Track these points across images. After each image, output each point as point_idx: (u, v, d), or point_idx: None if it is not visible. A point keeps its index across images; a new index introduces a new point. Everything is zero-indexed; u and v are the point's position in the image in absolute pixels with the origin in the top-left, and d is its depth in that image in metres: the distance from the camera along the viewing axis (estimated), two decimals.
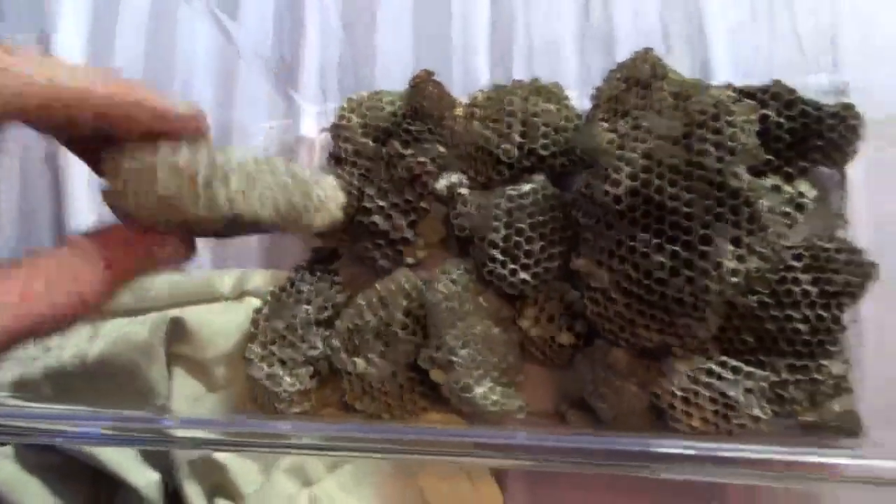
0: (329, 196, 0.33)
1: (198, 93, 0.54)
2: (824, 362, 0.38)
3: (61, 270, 0.25)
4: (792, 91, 0.40)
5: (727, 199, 0.35)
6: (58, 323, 0.25)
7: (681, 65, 0.45)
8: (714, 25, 0.46)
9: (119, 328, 0.50)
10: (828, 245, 0.38)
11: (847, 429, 0.39)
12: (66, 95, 0.25)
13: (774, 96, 0.40)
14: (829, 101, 0.42)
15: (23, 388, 0.50)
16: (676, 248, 0.36)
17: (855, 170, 0.42)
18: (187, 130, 0.28)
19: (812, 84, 0.43)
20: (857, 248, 0.38)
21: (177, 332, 0.48)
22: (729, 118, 0.36)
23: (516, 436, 0.37)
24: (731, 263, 0.35)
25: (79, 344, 0.50)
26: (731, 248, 0.35)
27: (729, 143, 0.35)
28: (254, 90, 0.53)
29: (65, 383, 0.50)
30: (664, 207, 0.36)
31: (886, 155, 0.41)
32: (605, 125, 0.39)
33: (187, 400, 0.49)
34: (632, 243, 0.37)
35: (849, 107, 0.39)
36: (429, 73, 0.45)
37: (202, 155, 0.27)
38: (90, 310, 0.26)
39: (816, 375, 0.38)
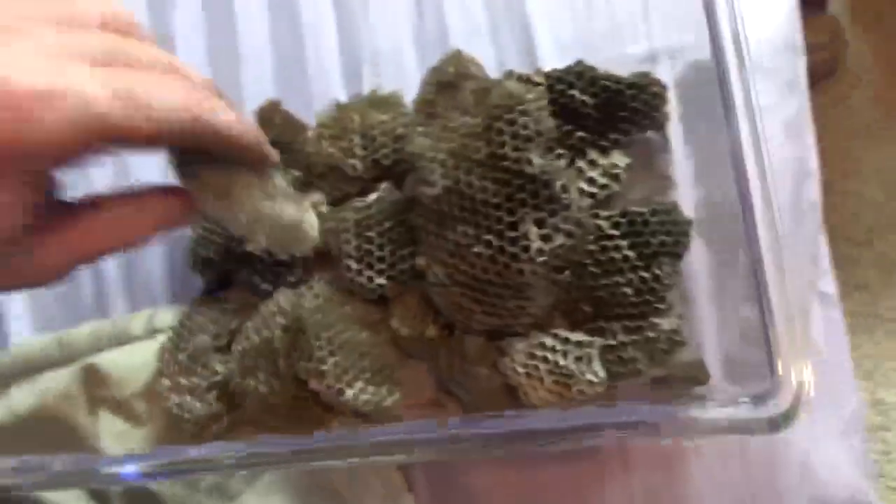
0: (313, 223, 0.38)
1: None
2: (655, 320, 0.40)
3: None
4: (592, 69, 0.42)
5: (526, 184, 0.37)
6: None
7: (509, 52, 0.47)
8: (535, 10, 0.48)
9: (47, 381, 0.53)
10: (642, 210, 0.40)
11: (694, 378, 0.41)
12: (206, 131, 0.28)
13: (578, 75, 0.42)
14: (646, 69, 0.44)
15: None
16: (490, 238, 0.38)
17: (675, 132, 0.44)
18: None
19: (630, 53, 0.45)
20: (670, 209, 0.40)
21: (93, 377, 0.52)
22: (521, 107, 0.38)
23: (397, 430, 0.40)
24: (536, 244, 0.37)
25: (15, 398, 0.54)
26: (535, 230, 0.37)
27: (523, 132, 0.37)
28: None
29: (2, 439, 0.53)
30: (475, 200, 0.38)
31: (700, 113, 0.42)
32: (421, 129, 0.41)
33: (115, 437, 0.52)
34: (454, 237, 0.39)
35: (644, 75, 0.41)
36: (273, 104, 0.48)
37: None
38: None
39: (650, 333, 0.40)
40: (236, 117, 0.30)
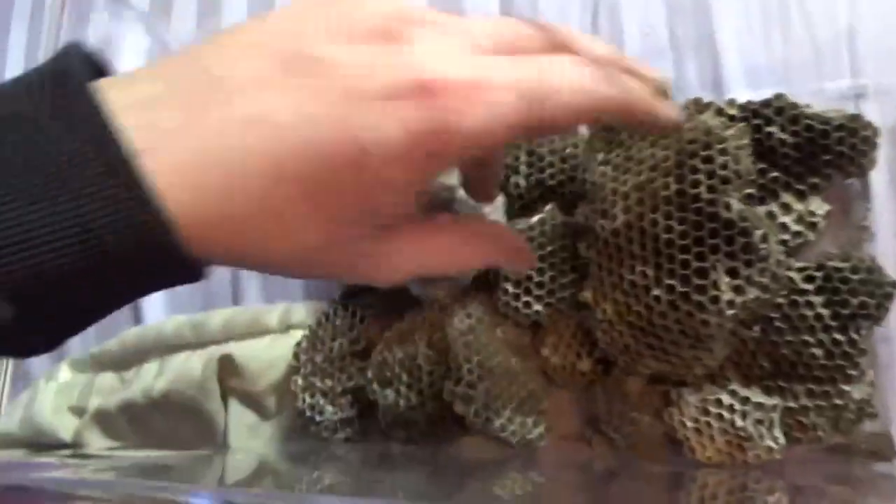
0: None
1: None
2: (845, 387, 0.37)
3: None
4: (795, 105, 0.38)
5: (721, 229, 0.34)
6: None
7: (691, 75, 0.44)
8: (724, 32, 0.44)
9: (180, 364, 0.54)
10: (841, 265, 0.37)
11: (879, 452, 0.38)
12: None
13: (778, 111, 0.38)
14: (848, 106, 0.40)
15: (101, 418, 0.55)
16: (673, 282, 0.35)
17: (879, 178, 0.40)
18: None
19: (830, 90, 0.41)
20: (874, 267, 0.37)
21: (228, 367, 0.52)
22: (720, 146, 0.35)
23: None
24: (727, 296, 0.34)
25: (146, 379, 0.54)
26: (727, 279, 0.34)
27: (720, 172, 0.34)
28: None
29: (135, 416, 0.54)
30: (659, 240, 0.36)
31: None
32: (601, 157, 0.39)
33: (244, 429, 0.53)
34: (631, 276, 0.37)
35: (855, 117, 0.38)
36: None
37: None
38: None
39: (837, 401, 0.37)
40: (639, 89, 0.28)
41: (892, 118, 0.40)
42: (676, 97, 0.42)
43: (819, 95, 0.40)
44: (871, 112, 0.40)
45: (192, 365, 0.53)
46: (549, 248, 0.42)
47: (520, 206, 0.45)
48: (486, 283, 0.44)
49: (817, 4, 0.43)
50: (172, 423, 0.53)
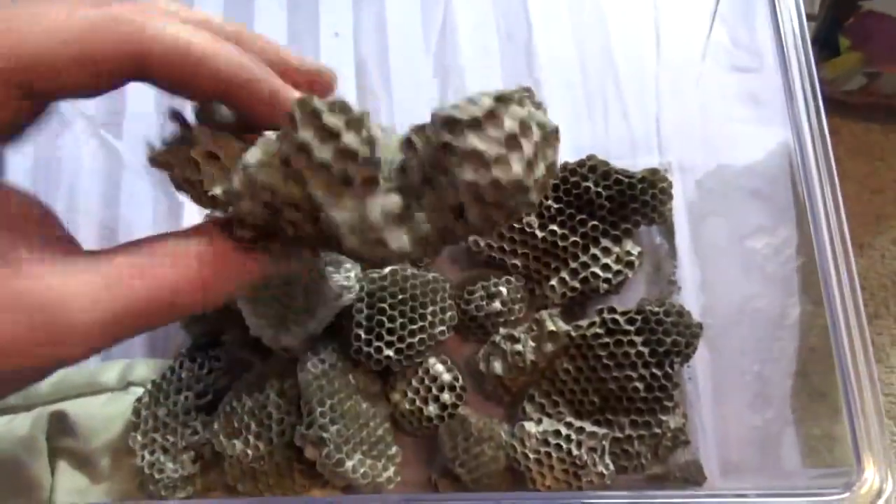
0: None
1: (84, 193, 0.56)
2: (662, 417, 0.41)
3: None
4: (605, 163, 0.45)
5: None
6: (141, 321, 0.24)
7: None
8: (556, 116, 0.50)
9: (4, 424, 0.50)
10: (657, 308, 0.42)
11: (691, 478, 0.42)
12: (187, 59, 0.25)
13: (592, 169, 0.45)
14: None
15: None
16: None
17: (682, 242, 0.46)
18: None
19: (642, 165, 0.47)
20: (683, 311, 0.42)
21: (59, 425, 0.49)
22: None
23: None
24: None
25: None
26: None
27: None
28: (138, 190, 0.55)
29: None
30: None
31: (704, 226, 0.45)
32: None
33: (71, 493, 0.49)
34: None
35: (654, 171, 0.44)
36: None
37: None
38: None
39: (656, 430, 0.41)
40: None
41: (692, 191, 0.47)
42: None
43: (633, 170, 0.46)
44: (675, 184, 0.47)
45: (18, 423, 0.49)
46: (399, 297, 0.45)
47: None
48: (338, 330, 0.46)
49: (632, 96, 0.51)
50: None
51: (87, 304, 0.23)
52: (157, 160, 0.29)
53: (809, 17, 0.88)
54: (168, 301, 0.24)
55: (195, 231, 0.26)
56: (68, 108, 0.55)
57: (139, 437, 0.48)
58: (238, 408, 0.46)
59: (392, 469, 0.44)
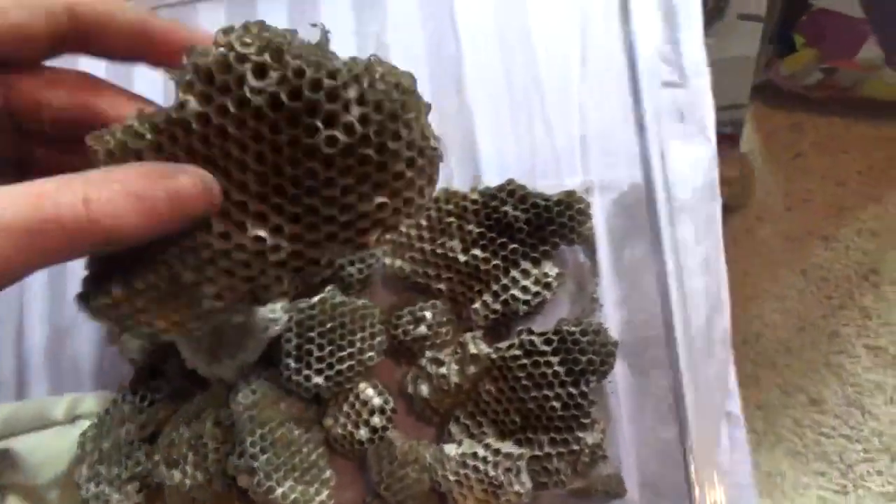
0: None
1: None
2: (580, 434, 0.42)
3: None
4: (523, 187, 0.46)
5: None
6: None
7: (455, 172, 0.51)
8: (483, 137, 0.52)
9: None
10: (573, 328, 0.43)
11: (612, 491, 0.44)
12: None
13: (510, 193, 0.46)
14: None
15: None
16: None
17: (604, 259, 0.47)
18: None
19: (567, 185, 0.48)
20: (600, 329, 0.43)
21: (7, 462, 0.50)
22: None
23: None
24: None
25: None
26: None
27: None
28: None
29: None
30: None
31: (624, 244, 0.46)
32: None
33: None
34: None
35: (570, 194, 0.46)
36: None
37: None
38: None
39: (574, 446, 0.42)
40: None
41: (611, 209, 0.48)
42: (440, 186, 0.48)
43: (558, 189, 0.47)
44: (596, 204, 0.48)
45: None
46: (328, 325, 0.46)
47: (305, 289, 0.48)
48: (271, 359, 0.47)
49: (556, 116, 0.52)
50: None
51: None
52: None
53: (756, 18, 0.90)
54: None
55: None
56: None
57: (84, 470, 0.49)
58: (176, 438, 0.47)
59: (325, 493, 0.45)
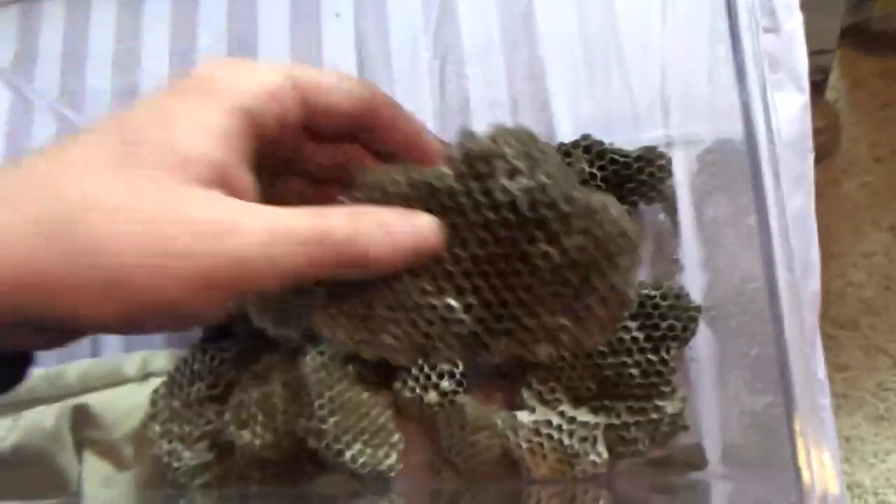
0: None
1: None
2: (659, 403, 0.40)
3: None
4: (600, 143, 0.43)
5: None
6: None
7: (527, 123, 0.48)
8: (557, 89, 0.49)
9: (33, 418, 0.53)
10: (653, 292, 0.41)
11: (692, 462, 0.42)
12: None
13: (586, 149, 0.43)
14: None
15: None
16: None
17: (685, 219, 0.45)
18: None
19: (645, 140, 0.46)
20: (681, 293, 0.41)
21: (83, 417, 0.51)
22: None
23: None
24: None
25: None
26: None
27: None
28: None
29: None
30: None
31: (707, 202, 0.43)
32: None
33: (98, 481, 0.52)
34: None
35: (651, 149, 0.43)
36: None
37: None
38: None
39: (653, 415, 0.40)
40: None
41: (694, 165, 0.45)
42: None
43: (636, 144, 0.45)
44: (678, 159, 0.45)
45: (44, 417, 0.52)
46: None
47: None
48: None
49: (635, 67, 0.49)
50: (23, 477, 0.52)
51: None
52: None
53: None
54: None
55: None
56: (30, 92, 0.56)
57: (157, 427, 0.49)
58: (246, 399, 0.47)
59: (394, 456, 0.45)
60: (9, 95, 0.63)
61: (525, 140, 0.28)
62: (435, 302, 0.29)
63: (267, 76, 0.26)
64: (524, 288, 0.28)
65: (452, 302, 0.29)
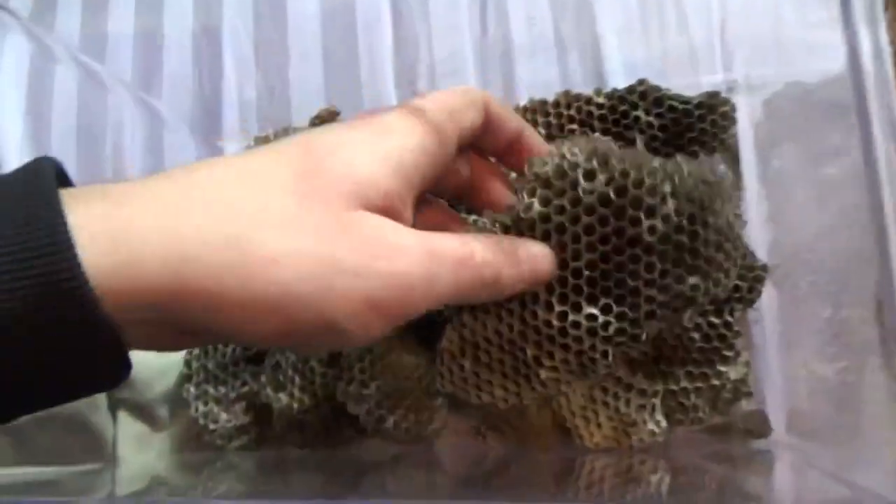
0: None
1: (129, 156, 0.55)
2: (721, 368, 0.38)
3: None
4: (657, 88, 0.40)
5: None
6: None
7: (574, 69, 0.45)
8: (605, 29, 0.46)
9: None
10: None
11: (756, 430, 0.39)
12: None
13: (642, 95, 0.40)
14: None
15: None
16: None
17: (749, 169, 0.41)
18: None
19: (704, 84, 0.42)
20: (746, 252, 0.38)
21: None
22: None
23: None
24: None
25: None
26: None
27: None
28: (178, 142, 0.54)
29: (19, 433, 0.51)
30: None
31: (774, 152, 0.40)
32: None
33: (133, 441, 0.51)
34: None
35: (714, 95, 0.39)
36: (331, 112, 0.45)
37: None
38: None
39: (715, 381, 0.38)
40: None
41: (760, 112, 0.42)
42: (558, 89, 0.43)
43: (694, 89, 0.41)
44: (741, 105, 0.42)
45: None
46: None
47: None
48: None
49: (692, 4, 0.45)
50: (57, 438, 0.51)
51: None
52: None
53: None
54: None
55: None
56: (105, 75, 0.54)
57: (192, 389, 0.48)
58: (283, 361, 0.45)
59: (437, 422, 0.43)
60: (29, 47, 0.60)
61: (585, 142, 0.30)
62: (577, 318, 0.30)
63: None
64: (646, 268, 0.29)
65: (593, 310, 0.30)
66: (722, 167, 0.41)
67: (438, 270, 0.25)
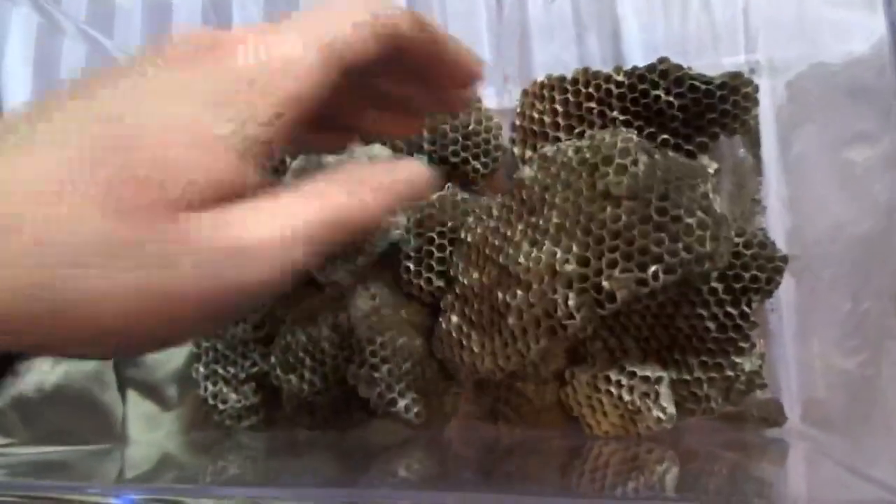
0: None
1: None
2: (736, 359, 0.37)
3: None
4: (678, 67, 0.39)
5: None
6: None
7: (593, 49, 0.44)
8: (625, 8, 0.44)
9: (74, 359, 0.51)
10: (736, 239, 0.37)
11: (770, 419, 0.39)
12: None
13: (663, 74, 0.39)
14: None
15: None
16: None
17: (769, 153, 0.40)
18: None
19: (725, 65, 0.41)
20: (766, 241, 0.37)
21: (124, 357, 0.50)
22: None
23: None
24: None
25: (40, 372, 0.52)
26: None
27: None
28: None
29: (28, 411, 0.52)
30: None
31: (795, 136, 0.39)
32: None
33: (143, 420, 0.51)
34: None
35: (737, 75, 0.38)
36: None
37: None
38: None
39: (729, 373, 0.37)
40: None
41: (782, 94, 0.41)
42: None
43: (715, 70, 0.40)
44: (763, 87, 0.41)
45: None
46: (449, 224, 0.42)
47: None
48: (389, 265, 0.44)
49: None
50: (67, 417, 0.51)
51: None
52: None
53: None
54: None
55: None
56: (114, 48, 0.53)
57: (201, 369, 0.48)
58: (293, 343, 0.45)
59: (448, 405, 0.43)
60: (36, 20, 0.59)
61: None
62: (539, 254, 0.33)
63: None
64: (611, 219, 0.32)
65: (554, 248, 0.32)
66: (742, 151, 0.40)
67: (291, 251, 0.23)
